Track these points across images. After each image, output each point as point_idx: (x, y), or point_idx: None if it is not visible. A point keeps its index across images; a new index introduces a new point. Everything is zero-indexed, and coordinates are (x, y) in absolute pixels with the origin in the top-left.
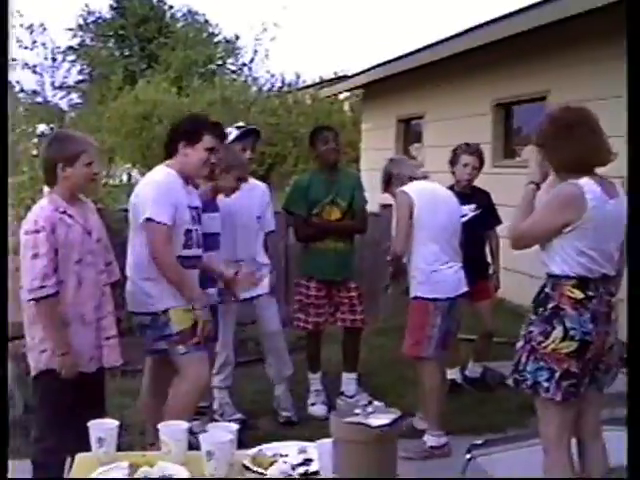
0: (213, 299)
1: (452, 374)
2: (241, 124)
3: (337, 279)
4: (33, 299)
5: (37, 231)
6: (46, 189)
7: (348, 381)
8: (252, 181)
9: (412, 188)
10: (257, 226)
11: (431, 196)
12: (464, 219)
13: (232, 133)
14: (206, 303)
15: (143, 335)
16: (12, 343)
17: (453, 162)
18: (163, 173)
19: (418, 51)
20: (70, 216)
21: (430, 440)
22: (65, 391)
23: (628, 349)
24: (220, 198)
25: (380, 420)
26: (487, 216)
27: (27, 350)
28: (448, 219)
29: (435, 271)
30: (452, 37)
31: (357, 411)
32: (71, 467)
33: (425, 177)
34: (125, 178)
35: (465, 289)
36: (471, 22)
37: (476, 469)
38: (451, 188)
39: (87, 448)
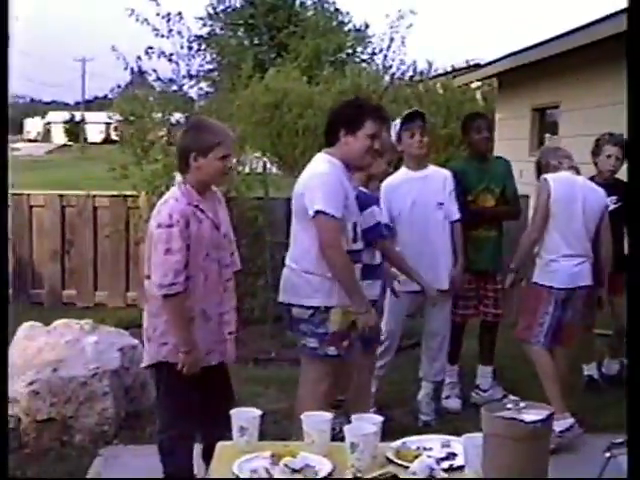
0: (375, 293)
1: (589, 370)
2: (407, 111)
3: (488, 270)
4: (164, 295)
5: (171, 225)
6: (178, 177)
7: (484, 374)
8: (432, 167)
9: (553, 176)
10: (438, 214)
11: (568, 187)
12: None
13: (397, 125)
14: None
15: (294, 328)
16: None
17: (595, 153)
18: (328, 163)
19: (553, 39)
20: (202, 210)
21: (557, 425)
22: (186, 384)
23: (628, 349)
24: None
25: (533, 416)
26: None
27: (146, 340)
28: (580, 212)
29: (553, 260)
30: (588, 25)
31: (509, 406)
32: (209, 456)
33: (572, 167)
34: (258, 166)
35: (587, 283)
36: (609, 10)
37: (616, 468)
38: (592, 179)
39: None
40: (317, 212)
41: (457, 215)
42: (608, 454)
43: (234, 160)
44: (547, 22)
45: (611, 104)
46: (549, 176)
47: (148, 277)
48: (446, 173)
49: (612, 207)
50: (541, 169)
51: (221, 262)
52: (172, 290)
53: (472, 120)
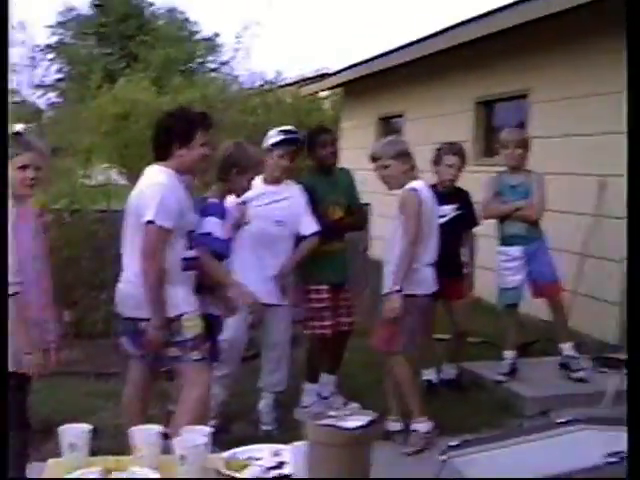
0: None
1: (427, 375)
2: (286, 128)
3: (342, 281)
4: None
5: None
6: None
7: (328, 382)
8: (287, 183)
9: (418, 186)
10: (281, 230)
11: (429, 195)
12: (445, 219)
13: (272, 137)
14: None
15: (135, 340)
16: None
17: (436, 162)
18: (163, 174)
19: (398, 49)
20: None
21: (423, 427)
22: None
23: (628, 349)
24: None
25: (355, 422)
26: (467, 216)
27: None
28: (436, 220)
29: (418, 269)
30: (432, 35)
31: (332, 413)
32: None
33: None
34: (101, 178)
35: (436, 288)
36: (451, 20)
37: (451, 470)
38: (433, 187)
39: None
40: (148, 222)
41: (313, 229)
42: (444, 457)
43: (79, 172)
44: (394, 32)
45: (454, 113)
46: (416, 185)
47: None
48: (299, 188)
49: (453, 214)
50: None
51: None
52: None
53: (317, 135)
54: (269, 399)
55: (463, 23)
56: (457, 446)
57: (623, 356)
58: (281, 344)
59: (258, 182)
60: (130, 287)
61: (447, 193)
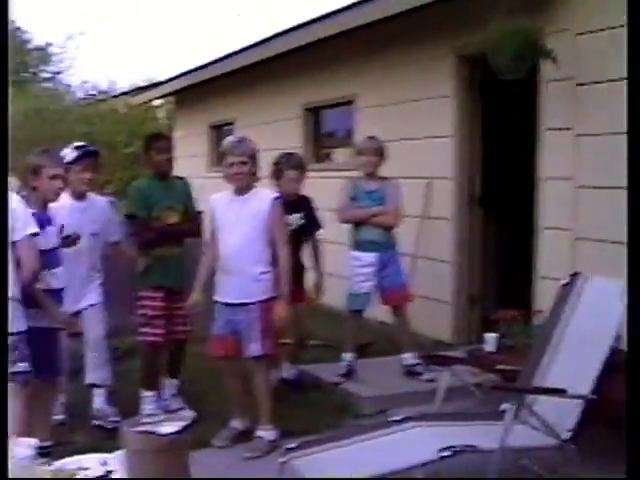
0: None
1: (271, 376)
2: (80, 144)
3: (178, 287)
4: None
5: None
6: None
7: (169, 385)
8: (93, 197)
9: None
10: (97, 242)
11: None
12: (292, 227)
13: (69, 154)
14: None
15: None
16: None
17: (277, 176)
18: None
19: (227, 57)
20: None
21: (270, 435)
22: None
23: (628, 349)
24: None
25: (170, 427)
26: (310, 223)
27: None
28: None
29: None
30: (259, 43)
31: (146, 420)
32: None
33: None
34: None
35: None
36: (278, 27)
37: (291, 472)
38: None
39: None
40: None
41: (116, 238)
42: (283, 459)
43: None
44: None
45: (283, 119)
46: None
47: None
48: (104, 201)
49: (300, 223)
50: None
51: None
52: None
53: (153, 141)
54: (102, 395)
55: (290, 30)
56: (296, 448)
57: (453, 354)
58: (100, 340)
59: (65, 198)
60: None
61: (291, 202)
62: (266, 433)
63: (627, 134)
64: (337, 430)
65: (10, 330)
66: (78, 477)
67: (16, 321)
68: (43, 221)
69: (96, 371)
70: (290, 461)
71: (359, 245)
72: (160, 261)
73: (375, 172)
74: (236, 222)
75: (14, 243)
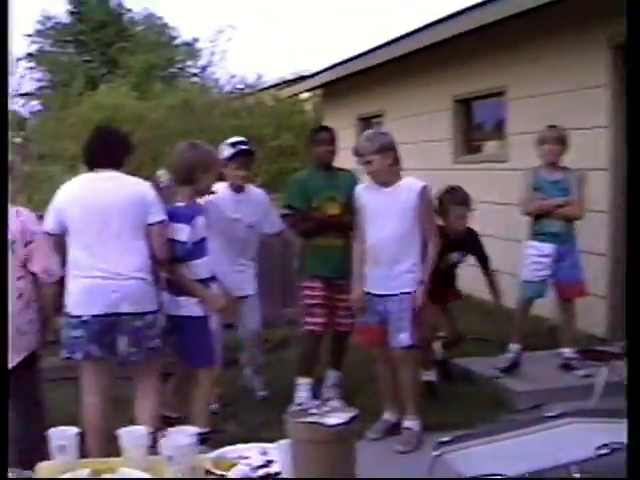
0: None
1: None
2: (236, 140)
3: (339, 278)
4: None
5: None
6: None
7: (329, 376)
8: (248, 189)
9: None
10: (253, 233)
11: None
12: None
13: (226, 150)
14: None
15: (132, 335)
16: None
17: (442, 213)
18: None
19: (376, 49)
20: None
21: (415, 425)
22: None
23: (628, 348)
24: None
25: (336, 419)
26: (479, 258)
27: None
28: None
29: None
30: (410, 34)
31: (313, 411)
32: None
33: None
34: None
35: None
36: (429, 19)
37: (443, 466)
38: (442, 229)
39: None
40: (162, 222)
41: (278, 227)
42: (436, 453)
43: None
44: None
45: (433, 111)
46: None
47: None
48: (262, 194)
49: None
50: None
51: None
52: None
53: (316, 133)
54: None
55: (440, 21)
56: (449, 442)
57: (610, 349)
58: (256, 330)
59: (222, 188)
60: (134, 283)
61: (456, 240)
62: (413, 424)
63: (627, 134)
64: (491, 425)
65: (142, 310)
66: (239, 465)
67: (147, 302)
68: (192, 214)
69: (252, 361)
70: (443, 455)
71: (539, 236)
72: (319, 251)
73: (557, 161)
74: (385, 214)
75: (150, 225)
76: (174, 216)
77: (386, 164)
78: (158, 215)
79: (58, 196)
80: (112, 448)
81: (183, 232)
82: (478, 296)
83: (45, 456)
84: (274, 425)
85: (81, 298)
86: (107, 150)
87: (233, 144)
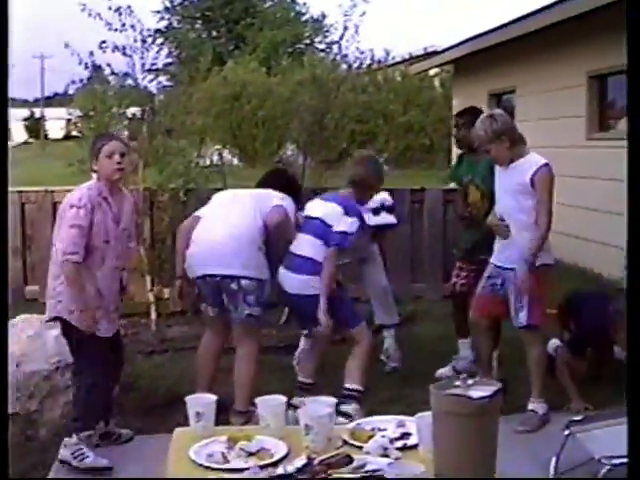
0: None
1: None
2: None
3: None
4: (65, 260)
5: (79, 207)
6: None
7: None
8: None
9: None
10: None
11: None
12: None
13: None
14: None
15: (237, 298)
16: None
17: None
18: None
19: (508, 24)
20: (108, 203)
21: (540, 408)
22: (88, 339)
23: (628, 346)
24: None
25: (481, 392)
26: None
27: (47, 298)
28: None
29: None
30: (543, 9)
31: (457, 383)
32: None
33: None
34: (216, 159)
35: None
36: None
37: (575, 446)
38: None
39: None
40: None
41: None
42: (567, 431)
43: (194, 154)
44: (503, 7)
45: (567, 87)
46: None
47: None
48: None
49: None
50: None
51: (116, 251)
52: (72, 258)
53: (461, 116)
54: (390, 337)
55: None
56: (580, 421)
57: None
58: (382, 285)
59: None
60: (230, 245)
61: None
62: (538, 406)
63: (627, 134)
64: (620, 406)
65: (254, 276)
66: (375, 436)
67: (260, 270)
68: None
69: (385, 314)
70: (573, 434)
71: None
72: (469, 233)
73: None
74: (503, 190)
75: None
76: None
77: (504, 148)
78: None
79: None
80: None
81: (353, 225)
82: (581, 266)
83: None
84: (404, 400)
85: None
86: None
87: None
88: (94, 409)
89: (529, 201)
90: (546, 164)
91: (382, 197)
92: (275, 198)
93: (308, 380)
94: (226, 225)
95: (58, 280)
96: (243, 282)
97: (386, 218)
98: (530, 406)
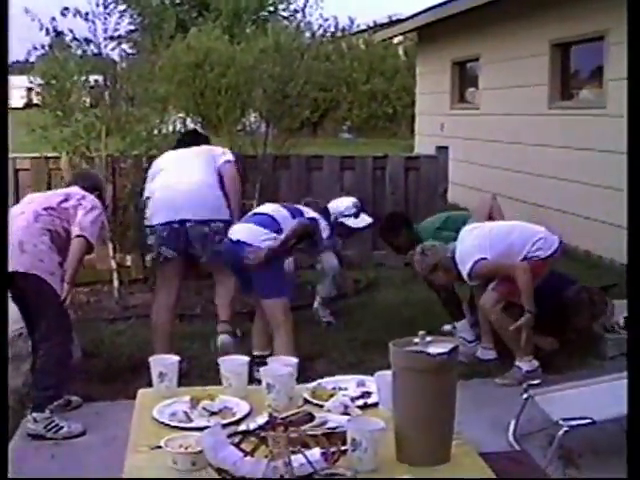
0: None
1: None
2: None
3: None
4: (84, 238)
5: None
6: None
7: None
8: None
9: None
10: None
11: None
12: None
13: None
14: None
15: (206, 239)
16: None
17: None
18: None
19: None
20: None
21: (525, 365)
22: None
23: (628, 345)
24: None
25: (439, 349)
26: None
27: (15, 250)
28: None
29: None
30: None
31: (415, 340)
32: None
33: None
34: (179, 126)
35: None
36: None
37: (533, 408)
38: None
39: None
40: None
41: None
42: (525, 395)
43: (157, 121)
44: None
45: (530, 55)
46: None
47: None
48: None
49: None
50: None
51: None
52: (91, 239)
53: (383, 231)
54: (318, 300)
55: None
56: (538, 385)
57: None
58: (334, 265)
59: None
60: (198, 193)
61: None
62: (522, 363)
63: (627, 134)
64: (579, 371)
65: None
66: (336, 395)
67: (226, 213)
68: None
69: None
70: (533, 397)
71: None
72: None
73: None
74: None
75: None
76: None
77: (442, 276)
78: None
79: None
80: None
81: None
82: (584, 248)
83: None
84: (364, 365)
85: None
86: None
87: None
88: (66, 376)
89: None
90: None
91: (352, 200)
92: (224, 155)
93: (264, 353)
94: (190, 176)
95: (41, 239)
96: (213, 225)
97: (365, 219)
98: (517, 363)
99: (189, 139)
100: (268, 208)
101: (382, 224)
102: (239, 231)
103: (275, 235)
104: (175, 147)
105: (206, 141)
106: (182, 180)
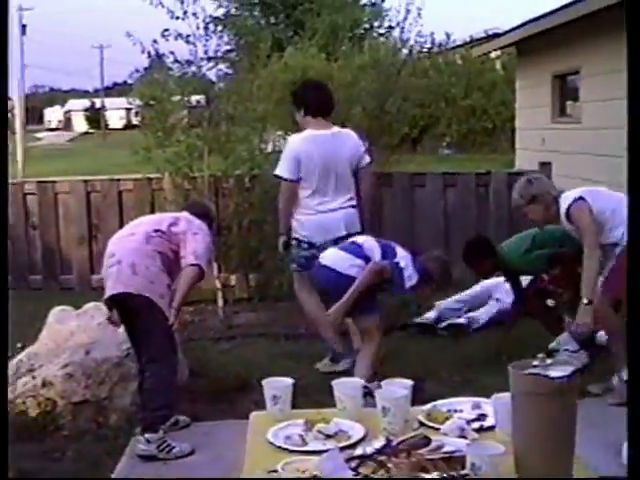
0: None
1: None
2: None
3: None
4: (200, 267)
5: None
6: None
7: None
8: None
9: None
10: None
11: None
12: None
13: None
14: None
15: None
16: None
17: None
18: None
19: (572, 4)
20: None
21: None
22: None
23: (628, 344)
24: None
25: (559, 372)
26: None
27: (126, 272)
28: None
29: None
30: None
31: (535, 363)
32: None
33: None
34: (281, 145)
35: None
36: None
37: None
38: None
39: None
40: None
41: None
42: None
43: (256, 140)
44: None
45: None
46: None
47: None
48: None
49: None
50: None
51: None
52: (204, 268)
53: (467, 255)
54: None
55: None
56: None
57: None
58: None
59: None
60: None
61: None
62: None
63: (627, 134)
64: None
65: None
66: (452, 418)
67: None
68: None
69: None
70: None
71: None
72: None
73: None
74: None
75: None
76: None
77: (541, 209)
78: None
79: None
80: None
81: None
82: None
83: None
84: (472, 385)
85: None
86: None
87: None
88: (174, 397)
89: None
90: (578, 197)
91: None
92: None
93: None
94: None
95: (153, 261)
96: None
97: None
98: (622, 375)
99: None
100: (362, 239)
101: (465, 250)
102: (327, 257)
103: (361, 262)
104: None
105: None
106: (328, 201)
